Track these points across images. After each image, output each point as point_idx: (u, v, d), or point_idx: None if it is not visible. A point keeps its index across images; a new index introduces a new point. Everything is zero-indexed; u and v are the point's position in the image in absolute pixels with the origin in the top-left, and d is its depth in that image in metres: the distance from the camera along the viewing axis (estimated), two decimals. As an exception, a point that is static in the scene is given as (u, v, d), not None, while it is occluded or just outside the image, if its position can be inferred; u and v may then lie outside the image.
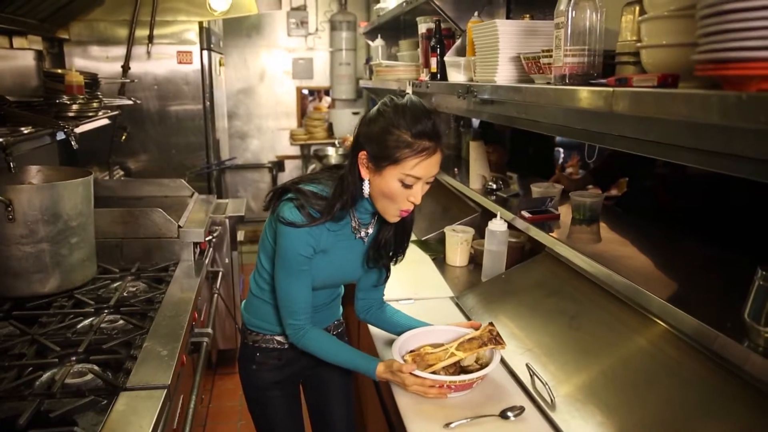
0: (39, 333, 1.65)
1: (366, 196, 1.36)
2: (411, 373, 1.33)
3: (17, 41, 2.63)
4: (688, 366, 1.22)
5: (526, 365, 1.43)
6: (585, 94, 1.07)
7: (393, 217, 1.37)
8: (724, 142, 0.89)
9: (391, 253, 1.51)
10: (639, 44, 1.02)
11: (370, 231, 1.47)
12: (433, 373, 1.34)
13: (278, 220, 1.35)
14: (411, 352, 1.43)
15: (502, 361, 1.54)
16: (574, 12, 1.14)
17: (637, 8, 1.10)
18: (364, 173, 1.33)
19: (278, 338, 1.53)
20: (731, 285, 1.41)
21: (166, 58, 3.31)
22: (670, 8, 0.94)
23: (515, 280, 1.88)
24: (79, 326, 1.75)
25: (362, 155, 1.32)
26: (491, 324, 1.43)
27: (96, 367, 1.50)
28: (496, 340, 1.40)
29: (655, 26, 0.97)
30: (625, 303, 1.46)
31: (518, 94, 1.40)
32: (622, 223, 1.98)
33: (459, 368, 1.40)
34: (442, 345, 1.43)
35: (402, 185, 1.29)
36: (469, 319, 1.79)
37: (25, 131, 1.35)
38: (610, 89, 0.98)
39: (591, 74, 1.17)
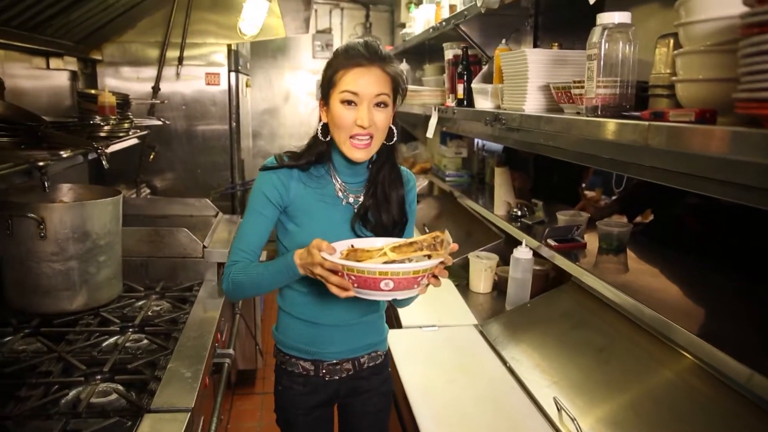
0: (66, 350, 1.67)
1: (322, 137, 1.38)
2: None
3: (54, 62, 2.70)
4: (721, 403, 1.19)
5: (553, 399, 1.40)
6: (618, 127, 1.06)
7: (348, 149, 1.34)
8: (760, 177, 0.88)
9: (376, 221, 1.42)
10: (674, 78, 1.01)
11: (361, 199, 1.43)
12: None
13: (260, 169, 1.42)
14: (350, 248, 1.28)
15: (528, 393, 1.51)
16: (607, 44, 1.14)
17: (672, 41, 1.09)
18: (323, 117, 1.39)
19: (303, 363, 1.48)
20: (765, 319, 1.38)
21: (195, 79, 3.37)
22: (707, 43, 0.93)
23: (541, 310, 1.86)
24: (104, 344, 1.77)
25: (320, 101, 1.40)
26: (442, 231, 1.25)
27: (120, 387, 1.51)
28: (435, 246, 1.22)
29: (691, 60, 0.96)
30: (655, 336, 1.43)
31: (549, 125, 1.39)
32: (650, 252, 1.95)
33: None
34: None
35: (343, 105, 1.31)
36: (494, 349, 1.77)
37: (64, 155, 1.38)
38: (646, 123, 0.97)
39: (623, 106, 1.17)
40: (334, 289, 1.22)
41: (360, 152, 1.34)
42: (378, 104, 1.32)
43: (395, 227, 1.45)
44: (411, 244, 1.24)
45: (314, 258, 1.22)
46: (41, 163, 1.26)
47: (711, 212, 2.04)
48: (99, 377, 1.54)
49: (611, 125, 1.09)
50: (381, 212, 1.42)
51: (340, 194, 1.42)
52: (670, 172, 1.12)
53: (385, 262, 1.21)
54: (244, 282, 1.37)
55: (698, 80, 0.95)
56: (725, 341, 1.24)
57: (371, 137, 1.33)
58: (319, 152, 1.40)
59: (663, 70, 1.12)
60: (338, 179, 1.42)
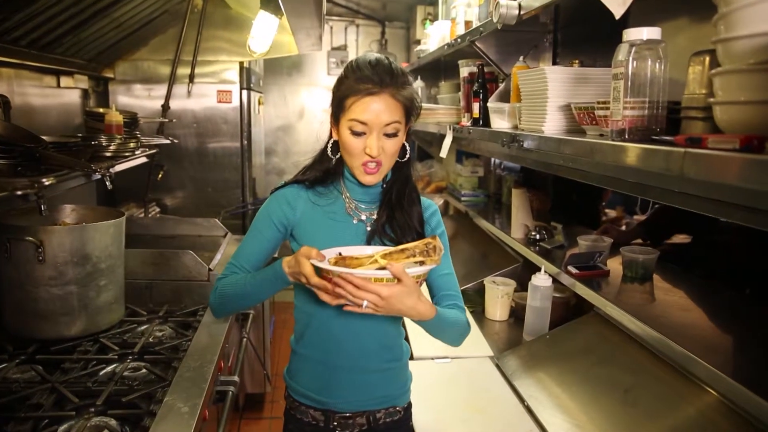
0: (60, 380, 1.60)
1: (331, 154, 1.34)
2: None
3: (64, 80, 2.68)
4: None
5: (576, 445, 1.29)
6: (649, 153, 0.97)
7: (360, 174, 1.30)
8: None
9: (395, 235, 1.35)
10: (712, 100, 0.91)
11: (375, 216, 1.37)
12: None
13: None
14: (338, 255, 1.26)
15: (548, 437, 1.40)
16: (635, 62, 1.05)
17: (708, 59, 1.00)
18: (334, 134, 1.34)
19: (313, 413, 1.37)
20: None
21: (206, 97, 3.34)
22: (750, 61, 0.83)
23: (561, 343, 1.74)
24: (101, 373, 1.69)
25: (330, 116, 1.34)
26: (433, 237, 1.23)
27: (113, 422, 1.42)
28: (428, 253, 1.20)
29: (732, 80, 0.86)
30: (686, 376, 1.31)
31: (570, 148, 1.29)
32: (678, 281, 1.82)
33: None
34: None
35: (352, 134, 1.26)
36: (511, 385, 1.66)
37: (46, 182, 1.32)
38: (681, 150, 0.87)
39: (653, 129, 1.07)
40: (324, 297, 1.18)
41: (370, 177, 1.31)
42: (388, 133, 1.26)
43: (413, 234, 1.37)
44: (402, 251, 1.21)
45: (303, 267, 1.18)
46: (19, 192, 1.19)
47: (748, 237, 1.91)
48: (92, 410, 1.47)
49: (640, 151, 0.99)
50: (400, 226, 1.35)
51: (350, 212, 1.35)
52: (705, 200, 1.02)
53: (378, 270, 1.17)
54: (230, 293, 1.36)
55: (740, 102, 0.85)
56: (764, 383, 1.12)
57: (380, 163, 1.28)
58: (327, 168, 1.36)
59: (697, 91, 1.02)
60: (349, 196, 1.36)
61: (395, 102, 1.25)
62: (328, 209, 1.35)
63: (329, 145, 1.34)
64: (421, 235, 1.36)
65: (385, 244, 1.33)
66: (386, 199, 1.36)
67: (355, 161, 1.29)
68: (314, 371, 1.36)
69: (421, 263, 1.20)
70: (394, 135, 1.27)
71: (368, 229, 1.35)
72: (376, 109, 1.24)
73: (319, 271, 1.20)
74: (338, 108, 1.29)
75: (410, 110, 1.30)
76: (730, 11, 0.85)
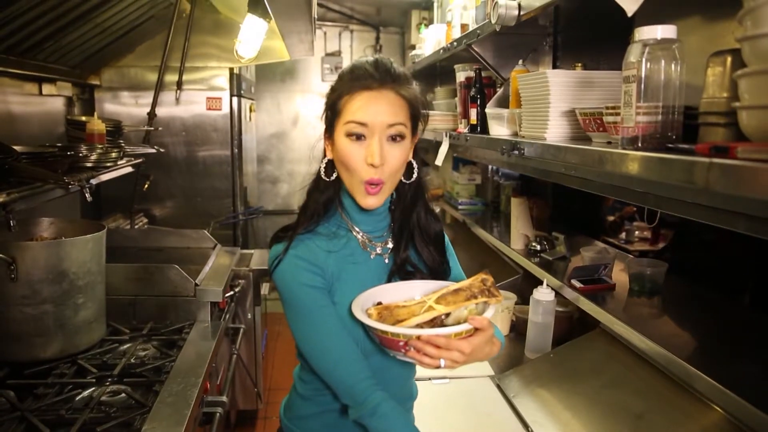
0: (31, 408, 1.49)
1: (325, 176, 1.15)
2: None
3: (46, 88, 2.59)
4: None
5: (586, 479, 1.20)
6: (667, 164, 0.87)
7: (362, 196, 1.11)
8: None
9: (418, 271, 1.21)
10: (737, 104, 0.82)
11: (390, 245, 1.20)
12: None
13: (270, 270, 1.15)
14: (378, 305, 1.10)
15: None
16: (648, 63, 0.96)
17: (729, 59, 0.91)
18: (328, 152, 1.16)
19: None
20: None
21: (195, 104, 3.24)
22: (782, 61, 0.75)
23: (566, 362, 1.65)
24: (77, 399, 1.59)
25: (324, 132, 1.18)
26: (486, 273, 1.10)
27: (86, 455, 1.33)
28: (490, 291, 1.05)
29: (761, 82, 0.77)
30: (707, 402, 1.22)
31: (575, 156, 1.20)
32: (689, 296, 1.73)
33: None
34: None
35: (351, 139, 1.08)
36: (514, 408, 1.56)
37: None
38: (705, 161, 0.78)
39: (668, 137, 0.98)
40: (427, 360, 1.00)
41: (372, 198, 1.11)
42: (392, 137, 1.09)
43: (444, 271, 1.24)
44: (457, 292, 1.06)
45: None
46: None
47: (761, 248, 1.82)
48: (64, 441, 1.37)
49: (657, 161, 0.90)
50: (423, 260, 1.21)
51: (365, 247, 1.18)
52: (722, 212, 0.93)
53: (435, 318, 1.03)
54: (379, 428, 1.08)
55: (772, 107, 0.76)
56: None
57: (381, 182, 1.10)
58: (327, 198, 1.16)
59: (718, 94, 0.93)
60: (358, 230, 1.18)
61: (399, 99, 1.10)
62: (344, 253, 1.15)
63: (322, 166, 1.15)
64: (444, 257, 1.24)
65: (406, 278, 1.19)
66: (403, 232, 1.20)
67: (355, 178, 1.10)
68: (328, 419, 1.20)
69: (484, 303, 1.06)
70: (400, 139, 1.10)
71: (386, 261, 1.20)
72: (377, 107, 1.07)
73: (371, 331, 1.05)
74: (332, 115, 1.12)
75: (416, 114, 1.14)
76: (759, 5, 0.77)
